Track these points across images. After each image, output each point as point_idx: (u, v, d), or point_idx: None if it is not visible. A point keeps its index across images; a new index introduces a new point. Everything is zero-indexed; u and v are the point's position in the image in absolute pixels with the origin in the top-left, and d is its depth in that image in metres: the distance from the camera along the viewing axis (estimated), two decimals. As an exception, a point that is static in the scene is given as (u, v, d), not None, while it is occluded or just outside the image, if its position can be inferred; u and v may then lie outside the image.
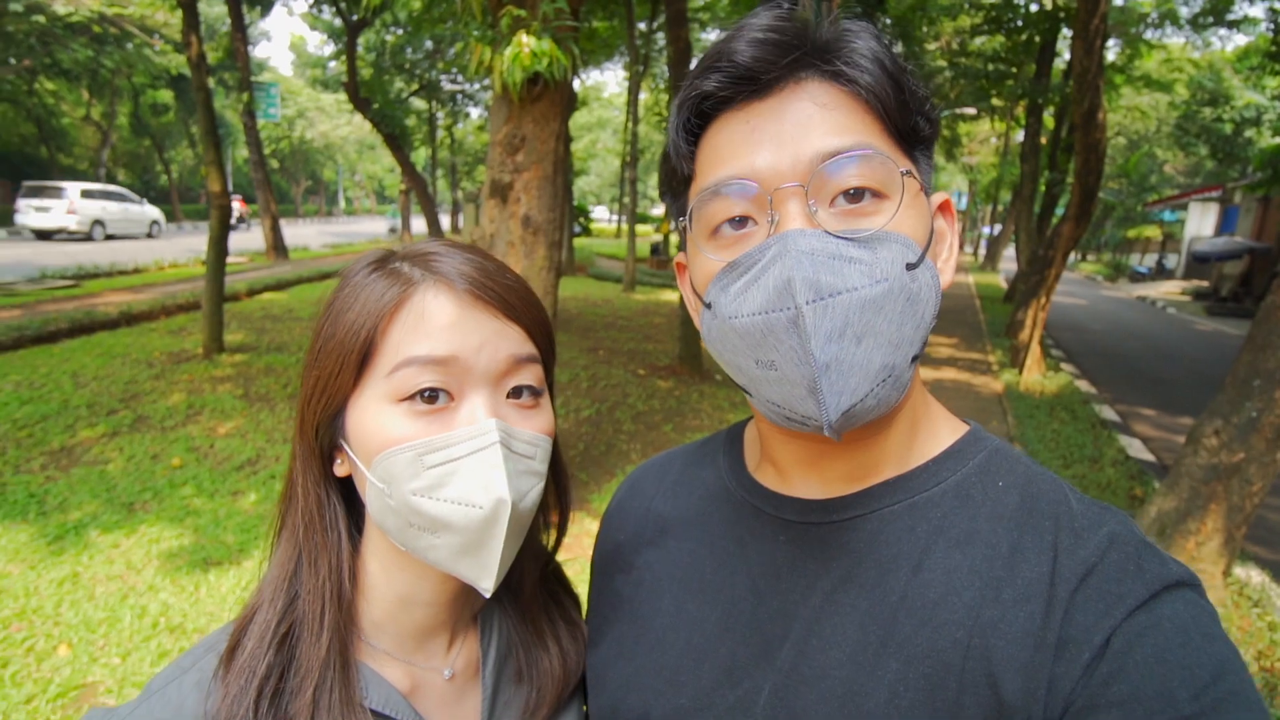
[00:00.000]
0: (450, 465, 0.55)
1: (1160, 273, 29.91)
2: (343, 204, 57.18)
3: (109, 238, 20.06)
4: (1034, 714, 0.47)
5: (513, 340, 0.59)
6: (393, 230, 27.29)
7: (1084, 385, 9.37)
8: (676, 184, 0.60)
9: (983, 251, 38.85)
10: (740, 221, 0.54)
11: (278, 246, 17.44)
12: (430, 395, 0.56)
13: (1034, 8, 12.41)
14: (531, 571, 0.70)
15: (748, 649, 0.59)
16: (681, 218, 0.59)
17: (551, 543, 0.75)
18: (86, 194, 19.53)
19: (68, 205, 18.83)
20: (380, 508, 0.58)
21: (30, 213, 19.05)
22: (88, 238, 19.41)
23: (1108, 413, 7.97)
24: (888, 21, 15.77)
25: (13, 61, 21.78)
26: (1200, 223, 28.02)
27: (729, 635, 0.60)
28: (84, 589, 3.29)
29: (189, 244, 20.33)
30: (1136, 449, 6.62)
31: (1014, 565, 0.52)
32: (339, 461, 0.61)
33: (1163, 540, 3.84)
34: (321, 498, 0.62)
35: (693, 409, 6.61)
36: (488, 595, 0.58)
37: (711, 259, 0.55)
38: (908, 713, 0.51)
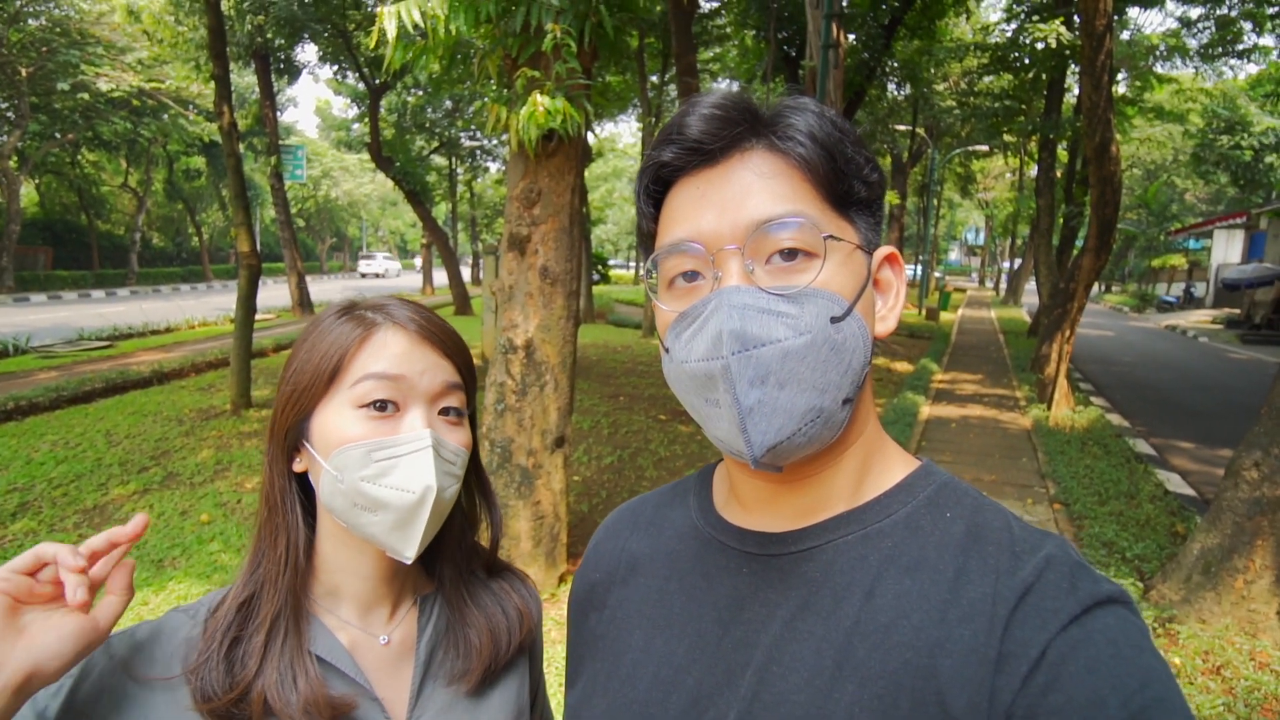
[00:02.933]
0: (393, 460, 0.71)
1: (1189, 301, 29.34)
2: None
3: (382, 277, 43.30)
4: None
5: (446, 371, 0.76)
6: None
7: (1116, 419, 9.15)
8: (644, 240, 0.68)
9: (1004, 286, 38.57)
10: (691, 275, 0.60)
11: (303, 302, 17.88)
12: (381, 405, 0.72)
13: (1040, 46, 12.55)
14: (456, 566, 0.85)
15: (713, 678, 0.61)
16: (646, 270, 0.66)
17: (488, 542, 0.90)
18: (384, 257, 46.36)
19: (379, 262, 44.39)
20: (331, 491, 0.72)
21: (361, 264, 44.19)
22: (379, 277, 42.50)
23: (1143, 446, 7.74)
24: (894, 65, 16.11)
25: (58, 135, 23.10)
26: (1226, 250, 27.62)
27: (695, 666, 0.63)
28: (111, 649, 3.30)
29: (217, 302, 21.11)
30: (1175, 483, 6.41)
31: (959, 588, 0.55)
32: (298, 459, 0.76)
33: (1209, 579, 3.69)
34: (284, 486, 0.77)
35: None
36: (409, 563, 0.73)
37: (666, 309, 0.62)
38: None
